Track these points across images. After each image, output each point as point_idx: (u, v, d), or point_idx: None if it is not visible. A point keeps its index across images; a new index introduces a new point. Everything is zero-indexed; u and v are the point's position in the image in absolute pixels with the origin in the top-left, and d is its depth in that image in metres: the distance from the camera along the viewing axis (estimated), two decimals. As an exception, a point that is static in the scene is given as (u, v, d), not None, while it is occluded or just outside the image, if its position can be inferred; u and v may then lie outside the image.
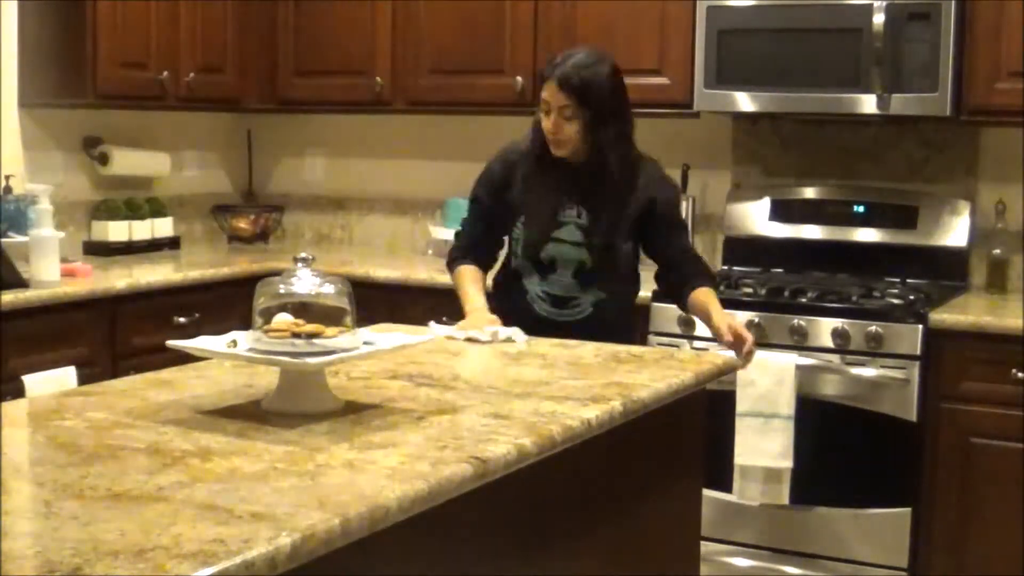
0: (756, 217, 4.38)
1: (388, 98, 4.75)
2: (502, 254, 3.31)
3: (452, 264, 3.28)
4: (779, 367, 3.65)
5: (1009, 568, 3.55)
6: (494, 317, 3.04)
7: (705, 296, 3.10)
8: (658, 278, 3.30)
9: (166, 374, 2.47)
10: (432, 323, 3.02)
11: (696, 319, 3.32)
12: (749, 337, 2.95)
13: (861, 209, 4.27)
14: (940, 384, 3.62)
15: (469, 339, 2.88)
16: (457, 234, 3.35)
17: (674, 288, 3.21)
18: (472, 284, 3.18)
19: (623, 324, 3.26)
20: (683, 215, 3.42)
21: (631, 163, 3.14)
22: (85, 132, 4.66)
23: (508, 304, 3.18)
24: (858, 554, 3.70)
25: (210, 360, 2.40)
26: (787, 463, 3.67)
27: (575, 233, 3.12)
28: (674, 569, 2.81)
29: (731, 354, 2.95)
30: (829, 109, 4.02)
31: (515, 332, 2.92)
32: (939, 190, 4.22)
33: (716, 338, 3.05)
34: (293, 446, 1.93)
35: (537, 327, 3.05)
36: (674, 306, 3.85)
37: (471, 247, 3.27)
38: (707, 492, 3.29)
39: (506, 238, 3.26)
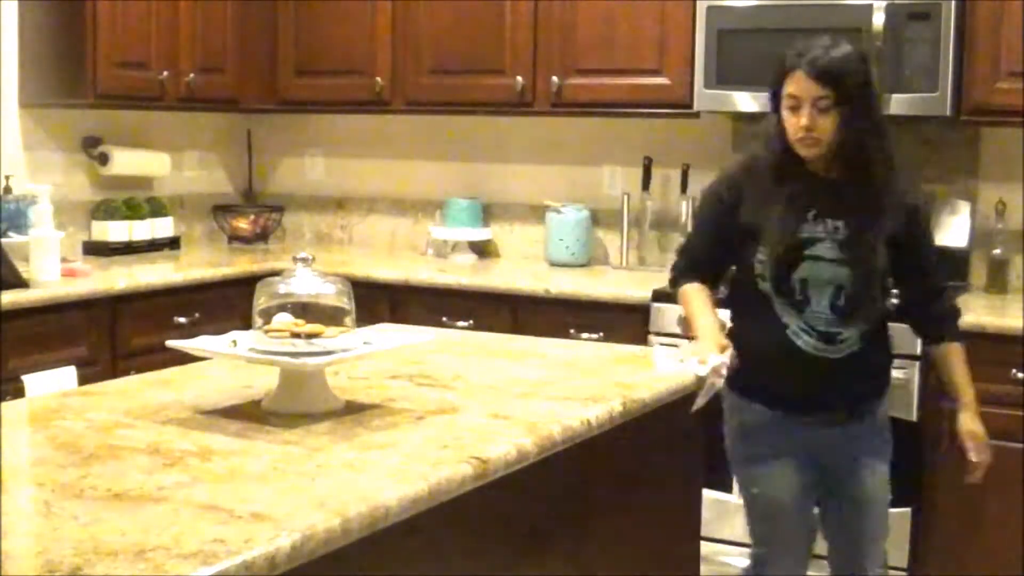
0: (756, 217, 4.37)
1: (388, 98, 4.75)
2: (727, 275, 2.98)
3: (675, 282, 2.98)
4: (779, 367, 3.64)
5: (1009, 568, 3.54)
6: (726, 341, 2.75)
7: (952, 362, 2.94)
8: (901, 310, 2.99)
9: (166, 374, 2.47)
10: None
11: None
12: (981, 459, 2.94)
13: (861, 209, 4.26)
14: (940, 384, 3.61)
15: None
16: (679, 251, 3.07)
17: (919, 329, 3.06)
18: (702, 302, 2.88)
19: (885, 363, 2.98)
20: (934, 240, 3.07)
21: (892, 167, 2.79)
22: (85, 132, 4.66)
23: (759, 336, 2.83)
24: (858, 554, 3.69)
25: (210, 360, 2.40)
26: (787, 463, 3.66)
27: (831, 249, 2.74)
28: (674, 569, 2.80)
29: None
30: (829, 109, 4.01)
31: (724, 357, 2.67)
32: (939, 190, 4.21)
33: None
34: (293, 446, 1.93)
35: (789, 362, 2.79)
36: (674, 306, 3.85)
37: (695, 264, 2.94)
38: (707, 492, 3.29)
39: (735, 262, 2.91)
